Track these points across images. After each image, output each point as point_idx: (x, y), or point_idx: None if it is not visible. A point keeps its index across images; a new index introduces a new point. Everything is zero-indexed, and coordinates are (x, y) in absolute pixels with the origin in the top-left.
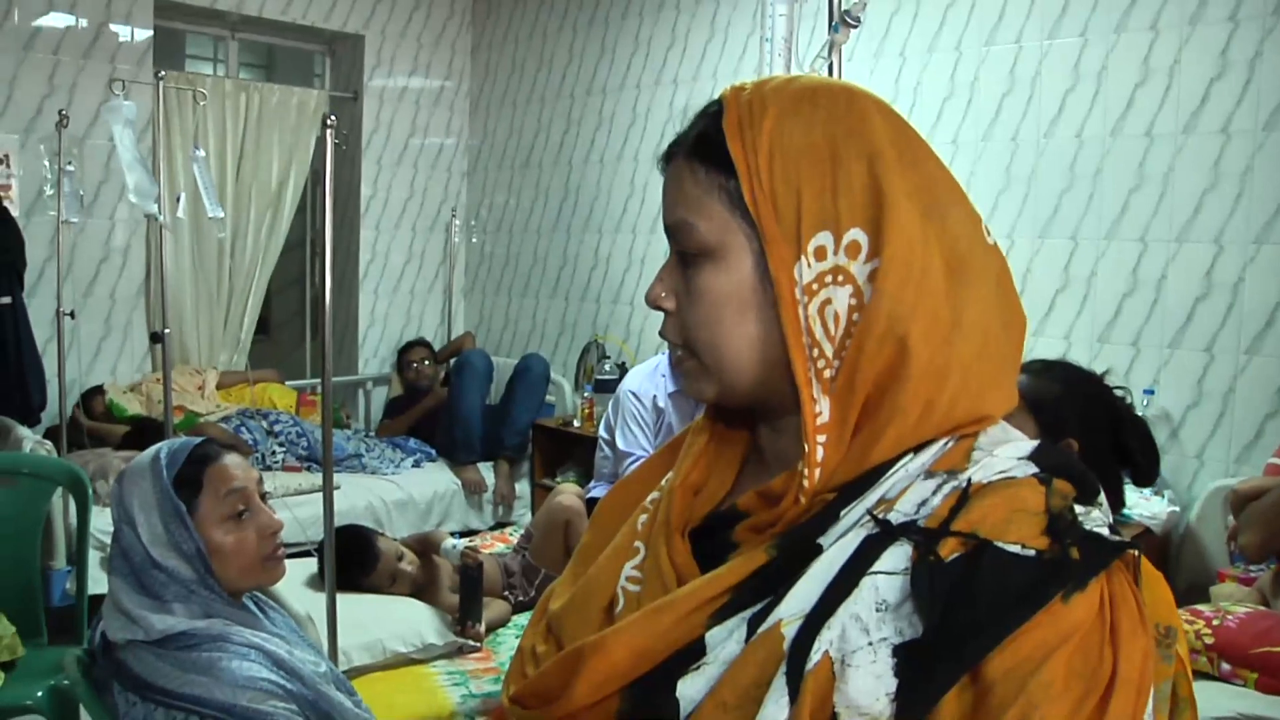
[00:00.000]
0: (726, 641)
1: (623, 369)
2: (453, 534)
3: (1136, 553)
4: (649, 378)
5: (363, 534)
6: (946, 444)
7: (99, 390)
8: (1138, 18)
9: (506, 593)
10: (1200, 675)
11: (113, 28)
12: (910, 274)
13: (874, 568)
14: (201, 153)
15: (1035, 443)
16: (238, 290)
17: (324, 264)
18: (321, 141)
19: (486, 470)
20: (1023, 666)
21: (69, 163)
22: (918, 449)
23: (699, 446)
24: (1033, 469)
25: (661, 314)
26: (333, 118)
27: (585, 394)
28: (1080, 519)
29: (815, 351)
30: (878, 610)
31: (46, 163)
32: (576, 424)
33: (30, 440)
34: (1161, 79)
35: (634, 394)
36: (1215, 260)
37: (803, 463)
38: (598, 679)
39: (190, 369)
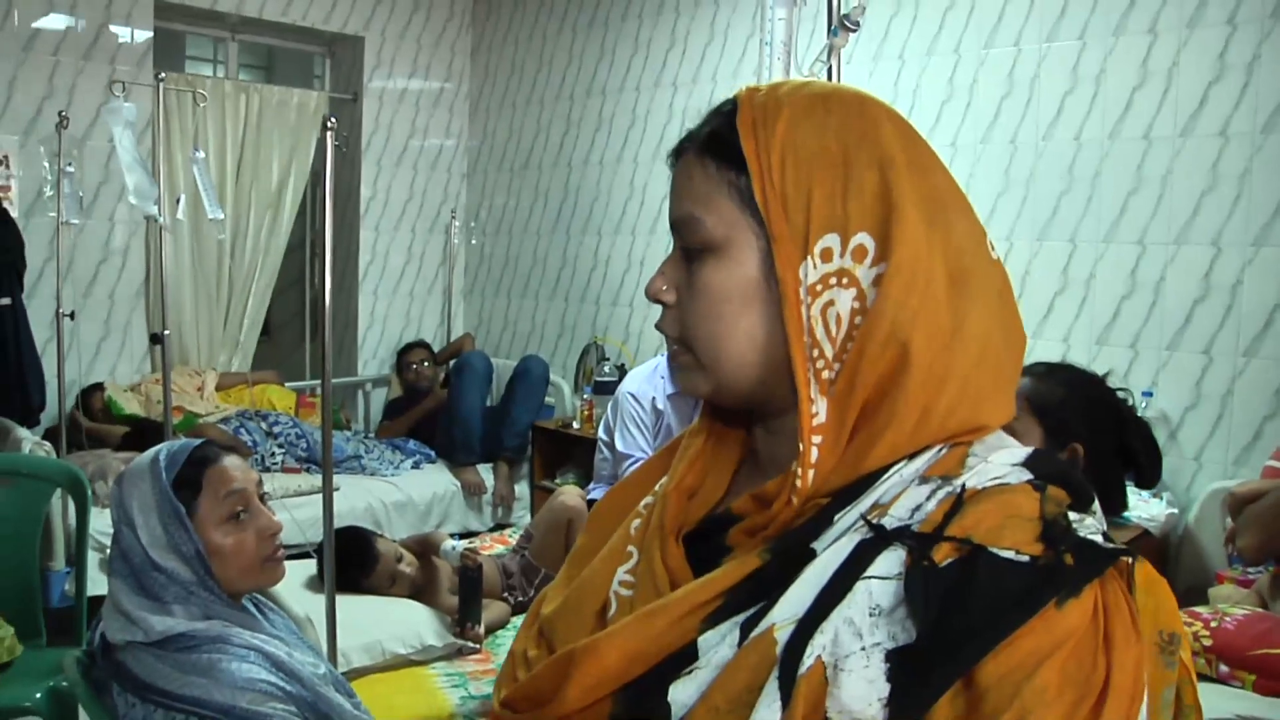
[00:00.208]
0: (719, 646)
1: (622, 371)
2: (452, 535)
3: (1130, 560)
4: (648, 379)
5: (362, 535)
6: (941, 450)
7: (98, 388)
8: (1136, 21)
9: (506, 594)
10: (1198, 677)
11: (112, 29)
12: (915, 281)
13: (867, 572)
14: (201, 154)
15: (1030, 449)
16: (237, 291)
17: (324, 265)
18: (321, 143)
19: (486, 472)
20: (1016, 672)
21: (69, 164)
22: (912, 455)
23: (695, 449)
24: (1027, 476)
25: (660, 309)
26: (333, 119)
27: (584, 395)
28: (1074, 526)
29: (815, 352)
30: (871, 615)
31: (46, 164)
32: (576, 426)
33: (29, 441)
34: (1160, 82)
35: (633, 396)
36: (1213, 262)
37: (797, 463)
38: (589, 682)
39: (189, 370)
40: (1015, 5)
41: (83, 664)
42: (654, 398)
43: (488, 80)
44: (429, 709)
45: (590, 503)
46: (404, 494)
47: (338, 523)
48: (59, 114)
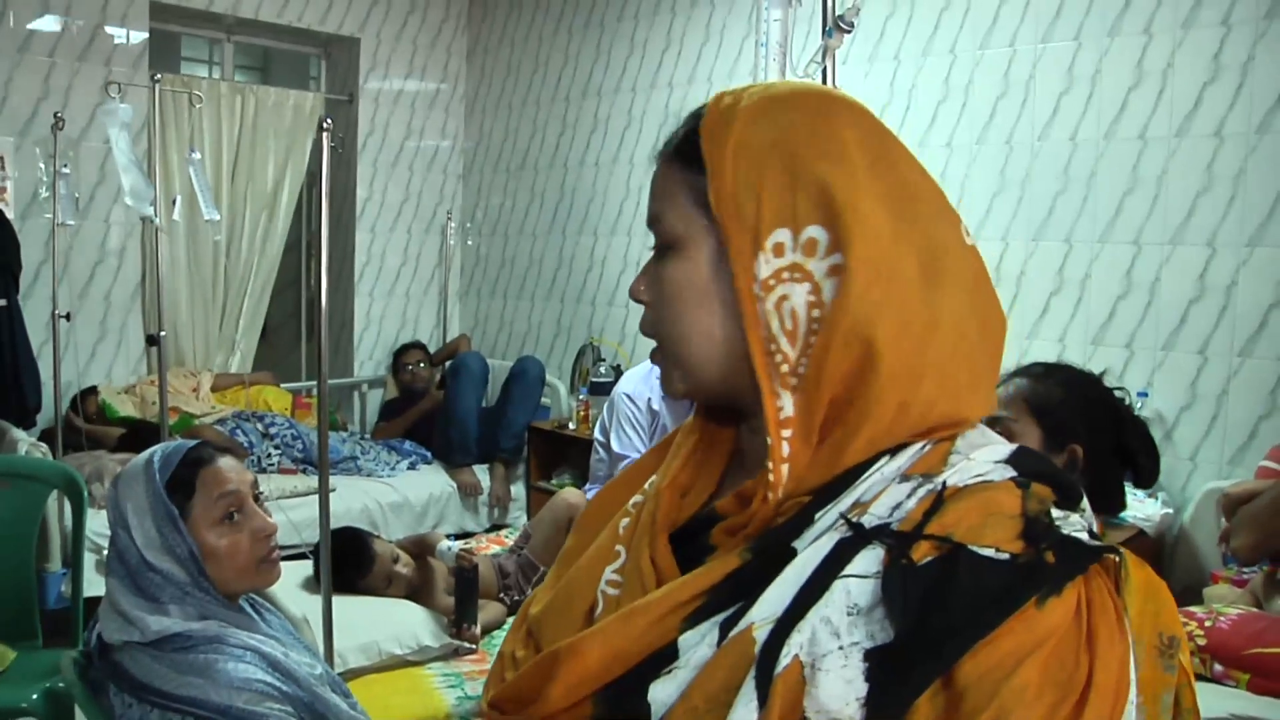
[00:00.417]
0: (699, 645)
1: (618, 371)
2: (448, 536)
3: (1117, 558)
4: (644, 380)
5: (358, 536)
6: (924, 447)
7: (92, 391)
8: (1131, 22)
9: (502, 594)
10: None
11: (108, 30)
12: (878, 275)
13: (845, 571)
14: (198, 155)
15: (1014, 446)
16: (233, 293)
17: (319, 266)
18: (317, 144)
19: (482, 473)
20: (995, 671)
21: (64, 165)
22: (894, 452)
23: (688, 448)
24: (1010, 473)
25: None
26: (328, 120)
27: (580, 396)
28: (1058, 523)
29: (773, 346)
30: (849, 614)
31: (42, 165)
32: (572, 426)
33: (26, 443)
34: (1155, 82)
35: (629, 396)
36: (1209, 263)
37: (768, 459)
38: (572, 682)
39: (185, 371)
40: (1010, 6)
41: (79, 664)
42: (649, 398)
43: (483, 81)
44: (425, 709)
45: None
46: (400, 495)
47: (334, 524)
48: (54, 115)
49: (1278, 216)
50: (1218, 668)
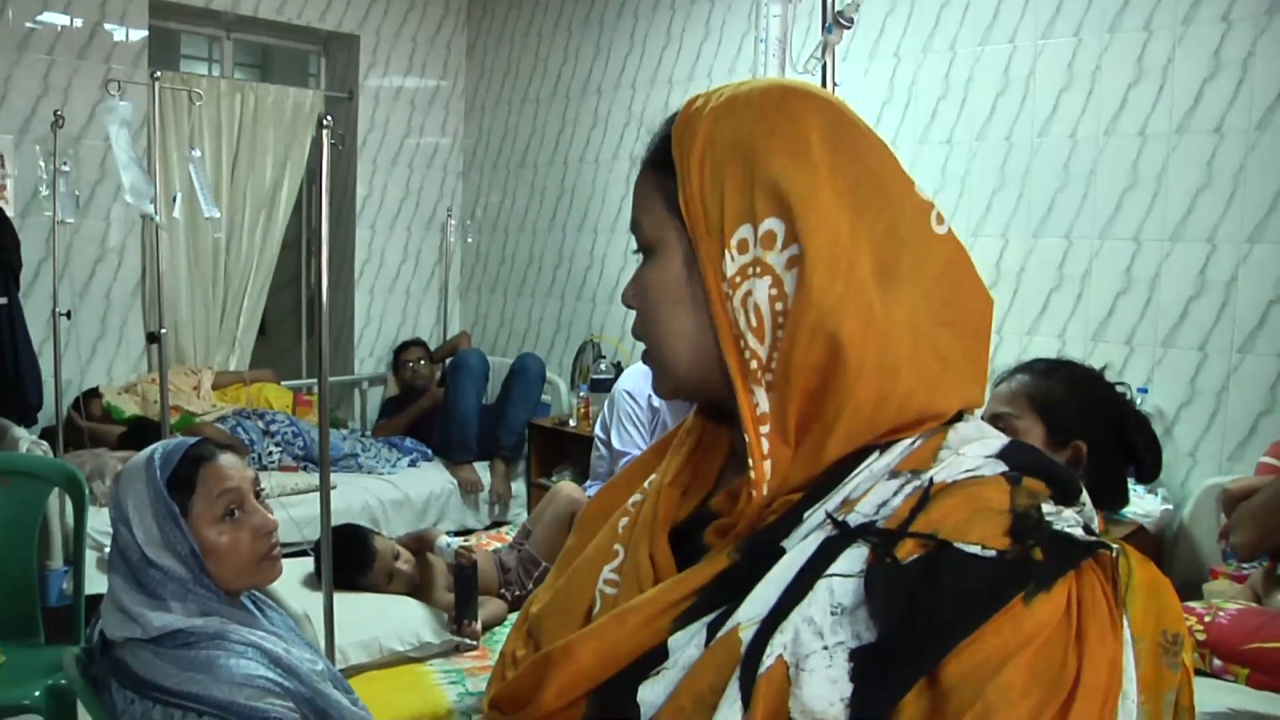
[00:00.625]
0: (687, 646)
1: (618, 368)
2: (449, 533)
3: (1113, 554)
4: (644, 377)
5: (359, 533)
6: (914, 443)
7: (95, 394)
8: (1131, 18)
9: (503, 590)
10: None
11: (107, 28)
12: (837, 269)
13: (830, 570)
14: (198, 153)
15: (1006, 440)
16: (233, 290)
17: (320, 264)
18: (317, 141)
19: (483, 470)
20: (981, 670)
21: (64, 163)
22: (884, 448)
23: (688, 446)
24: (1002, 467)
25: None
26: (328, 118)
27: (581, 393)
28: (1049, 519)
29: (743, 344)
30: (833, 614)
31: (42, 163)
32: (572, 423)
33: (27, 440)
34: (1155, 79)
35: (629, 393)
36: (1208, 259)
37: (749, 456)
38: (565, 682)
39: (186, 369)
40: (1010, 2)
41: (81, 661)
42: (650, 395)
43: (483, 78)
44: (426, 705)
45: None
46: (401, 492)
47: (335, 521)
48: (54, 113)
49: (1277, 213)
50: (1217, 663)
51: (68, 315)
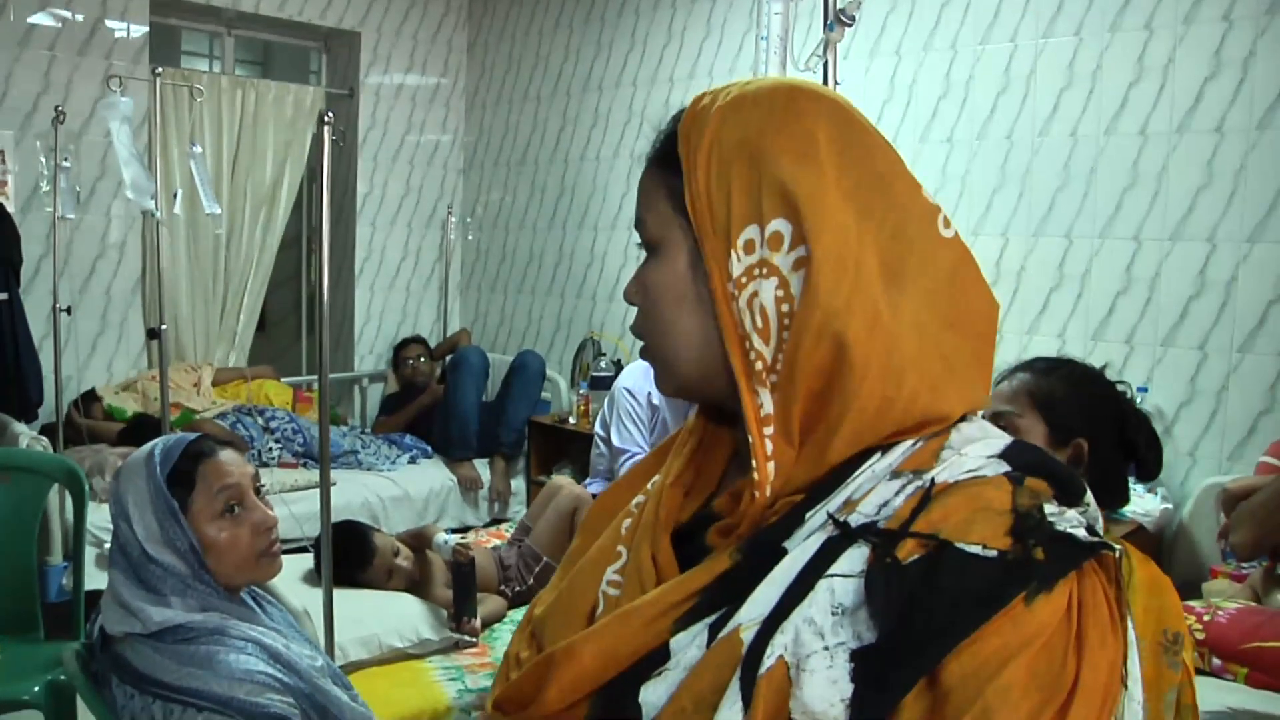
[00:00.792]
0: (689, 647)
1: (618, 366)
2: (448, 530)
3: (1116, 554)
4: (644, 375)
5: (359, 530)
6: (916, 444)
7: (94, 396)
8: (1132, 17)
9: (503, 586)
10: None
11: (108, 24)
12: (844, 270)
13: (831, 570)
14: (198, 149)
15: (1009, 440)
16: (233, 287)
17: (320, 260)
18: (318, 138)
19: (482, 467)
20: (981, 671)
21: (65, 159)
22: (886, 449)
23: (690, 447)
24: (1004, 467)
25: None
26: (329, 114)
27: (581, 391)
28: (1051, 519)
29: (748, 344)
30: (834, 614)
31: (42, 159)
32: (572, 421)
33: (27, 436)
34: (1156, 78)
35: (629, 391)
36: (1209, 259)
37: (753, 457)
38: (567, 684)
39: (186, 365)
40: (1011, 1)
41: (81, 657)
42: (650, 393)
43: (484, 76)
44: (426, 702)
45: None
46: (401, 489)
47: (335, 517)
48: (55, 109)
49: (1278, 212)
50: (1216, 662)
51: (68, 311)
